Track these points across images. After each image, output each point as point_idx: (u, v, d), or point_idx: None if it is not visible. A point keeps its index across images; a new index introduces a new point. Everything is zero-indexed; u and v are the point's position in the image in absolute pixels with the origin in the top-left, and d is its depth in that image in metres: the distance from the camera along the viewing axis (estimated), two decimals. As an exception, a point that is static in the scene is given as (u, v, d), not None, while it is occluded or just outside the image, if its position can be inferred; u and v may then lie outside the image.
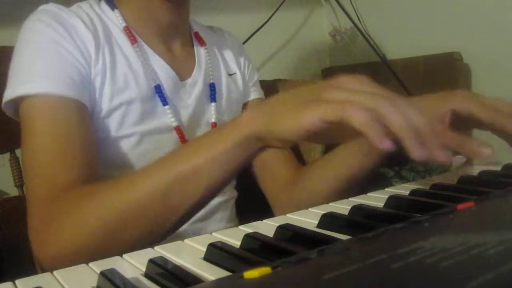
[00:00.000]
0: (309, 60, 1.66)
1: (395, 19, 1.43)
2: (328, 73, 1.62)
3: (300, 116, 0.42)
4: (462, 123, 0.57)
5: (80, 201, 0.55)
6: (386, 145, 0.37)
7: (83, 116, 0.65)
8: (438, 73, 1.28)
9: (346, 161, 0.73)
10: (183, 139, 0.73)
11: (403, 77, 1.33)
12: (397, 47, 1.41)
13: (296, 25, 1.65)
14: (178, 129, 0.73)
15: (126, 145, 0.70)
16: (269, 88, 1.06)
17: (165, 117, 0.72)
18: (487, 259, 0.26)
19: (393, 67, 1.35)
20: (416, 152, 0.37)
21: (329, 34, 1.62)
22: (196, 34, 0.83)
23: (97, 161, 0.65)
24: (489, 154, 0.50)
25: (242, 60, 0.90)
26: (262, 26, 1.49)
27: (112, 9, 0.74)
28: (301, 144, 1.00)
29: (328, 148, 0.97)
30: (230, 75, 0.85)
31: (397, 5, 1.42)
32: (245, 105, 0.89)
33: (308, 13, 1.66)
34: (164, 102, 0.72)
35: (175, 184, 0.50)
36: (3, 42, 0.80)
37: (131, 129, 0.70)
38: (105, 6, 0.75)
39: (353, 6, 1.51)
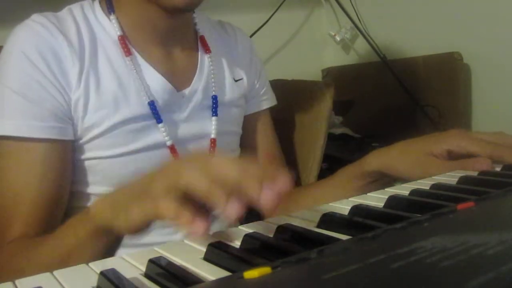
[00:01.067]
0: (309, 60, 1.66)
1: (395, 19, 1.43)
2: (328, 73, 1.62)
3: (129, 216, 0.41)
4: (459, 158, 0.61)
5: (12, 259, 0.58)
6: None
7: (54, 156, 0.64)
8: (438, 73, 1.28)
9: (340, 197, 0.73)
10: (177, 157, 0.71)
11: (403, 77, 1.33)
12: (397, 47, 1.41)
13: (296, 25, 1.65)
14: (172, 148, 0.71)
15: (119, 164, 0.68)
16: (269, 88, 1.06)
17: (159, 135, 0.70)
18: (487, 259, 0.26)
19: (393, 67, 1.35)
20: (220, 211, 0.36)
21: (329, 34, 1.62)
22: (202, 38, 0.78)
23: (55, 212, 0.66)
24: (488, 166, 0.55)
25: (252, 64, 0.85)
26: (262, 26, 1.49)
27: (110, 13, 0.70)
28: (297, 151, 1.00)
29: (324, 160, 0.97)
30: (236, 80, 0.81)
31: (397, 5, 1.42)
32: (251, 116, 0.86)
33: (308, 13, 1.66)
34: (158, 119, 0.69)
35: (59, 262, 0.51)
36: (2, 42, 0.80)
37: (124, 148, 0.68)
38: (99, 11, 0.71)
39: (353, 6, 1.51)
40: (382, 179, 0.70)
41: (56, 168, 0.64)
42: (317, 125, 0.98)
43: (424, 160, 0.62)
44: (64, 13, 0.70)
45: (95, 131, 0.66)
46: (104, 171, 0.68)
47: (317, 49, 1.69)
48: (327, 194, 0.76)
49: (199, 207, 0.38)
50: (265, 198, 0.36)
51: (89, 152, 0.67)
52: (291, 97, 1.04)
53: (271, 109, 0.90)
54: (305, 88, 1.04)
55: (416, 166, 0.63)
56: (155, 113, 0.69)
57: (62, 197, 0.67)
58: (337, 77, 1.55)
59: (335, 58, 1.67)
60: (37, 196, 0.63)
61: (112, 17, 0.70)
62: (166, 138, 0.70)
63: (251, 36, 1.45)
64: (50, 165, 0.64)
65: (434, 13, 1.32)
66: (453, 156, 0.61)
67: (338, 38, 1.59)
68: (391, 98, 1.39)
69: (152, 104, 0.69)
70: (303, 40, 1.65)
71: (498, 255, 0.26)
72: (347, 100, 1.42)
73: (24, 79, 0.63)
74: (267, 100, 0.88)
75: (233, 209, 0.36)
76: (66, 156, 0.66)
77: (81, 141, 0.67)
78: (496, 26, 1.17)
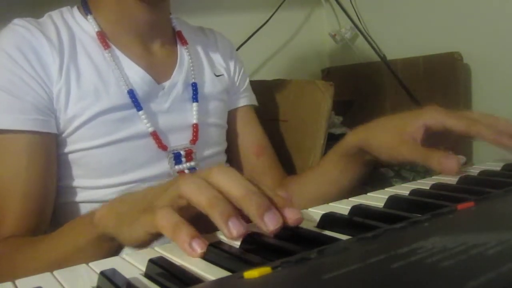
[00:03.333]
0: (309, 60, 1.66)
1: (395, 19, 1.43)
2: (328, 73, 1.62)
3: (132, 230, 0.41)
4: (440, 138, 0.57)
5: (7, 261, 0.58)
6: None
7: (39, 149, 0.65)
8: (438, 73, 1.28)
9: (336, 180, 0.71)
10: (160, 144, 0.72)
11: (403, 77, 1.33)
12: (397, 47, 1.41)
13: (296, 25, 1.65)
14: (154, 135, 0.72)
15: (103, 155, 0.69)
16: (269, 88, 1.06)
17: (141, 123, 0.71)
18: (487, 259, 0.26)
19: (393, 67, 1.35)
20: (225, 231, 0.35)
21: (329, 34, 1.62)
22: (179, 33, 0.81)
23: (45, 206, 0.67)
24: (453, 167, 0.51)
25: (232, 63, 0.87)
26: (262, 26, 1.49)
27: (86, 14, 0.73)
28: (297, 151, 1.00)
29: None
30: (217, 76, 0.83)
31: (397, 5, 1.42)
32: (235, 112, 0.87)
33: (308, 13, 1.66)
34: (138, 107, 0.71)
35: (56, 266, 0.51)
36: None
37: (107, 138, 0.69)
38: (77, 13, 0.74)
39: (353, 6, 1.51)
40: (364, 158, 0.67)
41: (41, 161, 0.66)
42: (317, 125, 0.98)
43: (397, 140, 0.59)
44: (43, 18, 0.73)
45: (77, 122, 0.68)
46: (89, 164, 0.70)
47: (317, 49, 1.68)
48: (315, 181, 0.76)
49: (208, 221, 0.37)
50: (269, 223, 0.35)
51: (73, 145, 0.69)
52: (291, 97, 1.04)
53: (271, 109, 0.91)
54: (305, 88, 1.04)
55: (388, 145, 0.60)
56: (135, 101, 0.71)
57: (50, 191, 0.68)
58: (337, 77, 1.55)
59: (335, 58, 1.67)
60: (25, 189, 0.64)
61: (90, 17, 0.73)
62: (148, 125, 0.71)
63: (251, 36, 1.46)
64: (36, 157, 0.65)
65: (434, 13, 1.32)
66: (431, 133, 0.58)
67: (338, 38, 1.59)
68: (391, 98, 1.39)
69: (131, 93, 0.71)
70: (303, 40, 1.65)
71: (498, 255, 0.26)
72: (347, 100, 1.42)
73: (7, 75, 0.65)
74: (247, 98, 0.89)
75: (235, 228, 0.35)
76: (51, 150, 0.67)
77: (64, 134, 0.68)
78: (496, 26, 1.17)
